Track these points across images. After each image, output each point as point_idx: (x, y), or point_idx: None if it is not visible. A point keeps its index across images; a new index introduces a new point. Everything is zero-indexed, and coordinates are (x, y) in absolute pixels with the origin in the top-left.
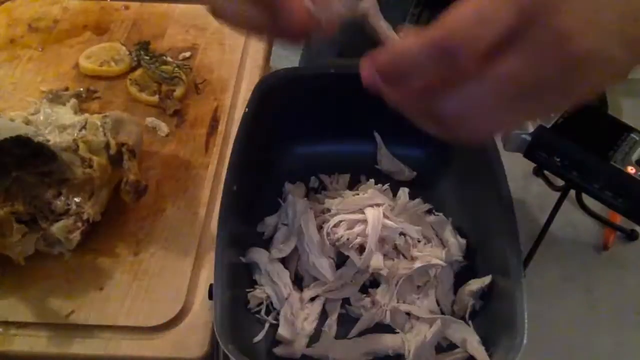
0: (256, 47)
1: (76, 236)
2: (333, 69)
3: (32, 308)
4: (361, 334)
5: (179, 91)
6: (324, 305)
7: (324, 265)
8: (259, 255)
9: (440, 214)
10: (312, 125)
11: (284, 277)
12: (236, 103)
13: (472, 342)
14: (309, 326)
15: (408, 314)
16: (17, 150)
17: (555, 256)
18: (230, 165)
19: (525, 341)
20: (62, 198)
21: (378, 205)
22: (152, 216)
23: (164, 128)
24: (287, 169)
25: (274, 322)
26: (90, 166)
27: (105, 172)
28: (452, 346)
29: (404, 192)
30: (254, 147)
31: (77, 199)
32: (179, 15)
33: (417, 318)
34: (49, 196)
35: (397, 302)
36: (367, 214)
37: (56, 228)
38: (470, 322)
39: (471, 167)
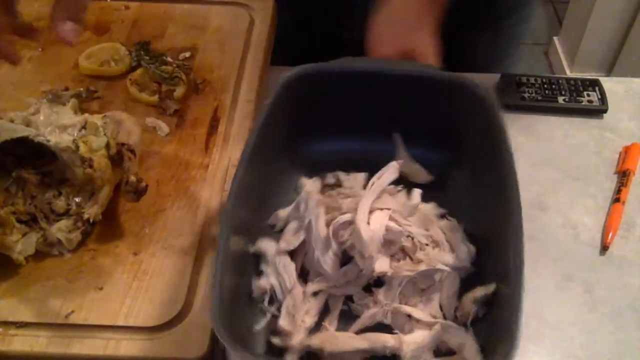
0: (256, 47)
1: (76, 236)
2: (361, 67)
3: (32, 308)
4: (361, 332)
5: (179, 91)
6: (326, 300)
7: (327, 262)
8: (266, 246)
9: (454, 219)
10: (334, 121)
11: (289, 270)
12: (236, 103)
13: (470, 349)
14: (310, 320)
15: (409, 316)
16: (17, 150)
17: (555, 256)
18: (244, 153)
19: (515, 351)
20: (62, 198)
21: (387, 209)
22: (152, 216)
23: (164, 128)
24: (305, 163)
25: (277, 313)
26: (91, 166)
27: (105, 172)
28: (452, 352)
29: (416, 193)
30: (272, 139)
31: (77, 199)
32: (179, 15)
33: (418, 321)
34: (49, 196)
35: (399, 304)
36: (371, 221)
37: (56, 228)
38: (471, 329)
39: (486, 174)
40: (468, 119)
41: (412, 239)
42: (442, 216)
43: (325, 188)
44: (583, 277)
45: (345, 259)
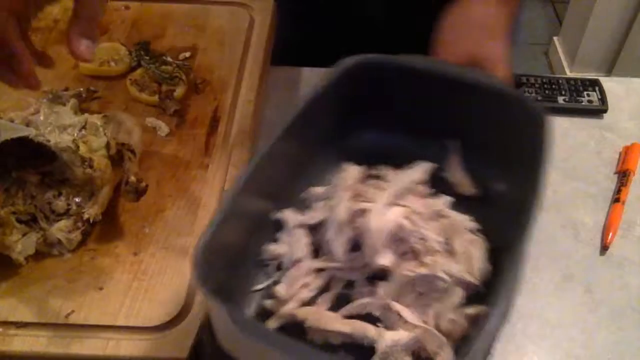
0: (256, 47)
1: (76, 236)
2: (427, 67)
3: (32, 308)
4: (350, 317)
5: (179, 91)
6: (328, 280)
7: (338, 244)
8: (288, 215)
9: (482, 236)
10: (389, 114)
11: (302, 242)
12: (236, 103)
13: (446, 358)
14: (307, 293)
15: (398, 315)
16: (17, 150)
17: (555, 256)
18: (283, 126)
19: None
20: (63, 198)
21: (407, 207)
22: (152, 216)
23: (164, 128)
24: (355, 151)
25: (279, 280)
26: (91, 166)
27: (105, 172)
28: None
29: (444, 200)
30: (320, 119)
31: (77, 199)
32: (179, 15)
33: (405, 321)
34: (49, 196)
35: (393, 301)
36: (385, 214)
37: (56, 228)
38: (457, 344)
39: (520, 197)
40: (521, 138)
41: (424, 242)
42: (477, 230)
43: (368, 178)
44: (583, 277)
45: (356, 246)
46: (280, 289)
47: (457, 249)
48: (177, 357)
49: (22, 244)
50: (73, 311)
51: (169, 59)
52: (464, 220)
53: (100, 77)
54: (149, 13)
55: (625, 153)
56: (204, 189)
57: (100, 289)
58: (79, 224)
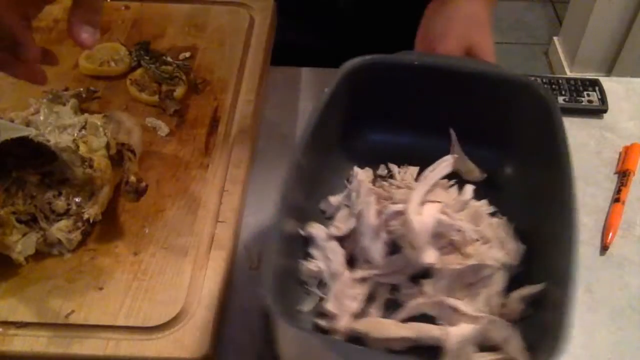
0: (256, 47)
1: (76, 236)
2: (423, 61)
3: (32, 308)
4: (405, 321)
5: (179, 91)
6: (372, 288)
7: (376, 250)
8: (317, 230)
9: (504, 217)
10: (389, 114)
11: (338, 255)
12: (236, 103)
13: (515, 345)
14: (356, 305)
15: (455, 309)
16: (17, 150)
17: None
18: (301, 140)
19: (561, 351)
20: (63, 198)
21: (439, 202)
22: (152, 216)
23: (164, 128)
24: (358, 152)
25: (323, 296)
26: (91, 166)
27: (105, 172)
28: (495, 349)
29: (468, 189)
30: (328, 126)
31: (77, 199)
32: (179, 15)
33: (463, 314)
34: (49, 196)
35: (445, 296)
36: (422, 212)
37: (56, 228)
38: (517, 328)
39: (541, 173)
40: (525, 118)
41: (462, 233)
42: (493, 214)
43: (377, 179)
44: (583, 277)
45: (392, 248)
46: (330, 307)
47: (488, 234)
48: (177, 357)
49: (22, 244)
50: (73, 311)
51: (169, 59)
52: (483, 206)
53: (100, 77)
54: (149, 13)
55: (625, 153)
56: (204, 189)
57: (100, 289)
58: (79, 224)
